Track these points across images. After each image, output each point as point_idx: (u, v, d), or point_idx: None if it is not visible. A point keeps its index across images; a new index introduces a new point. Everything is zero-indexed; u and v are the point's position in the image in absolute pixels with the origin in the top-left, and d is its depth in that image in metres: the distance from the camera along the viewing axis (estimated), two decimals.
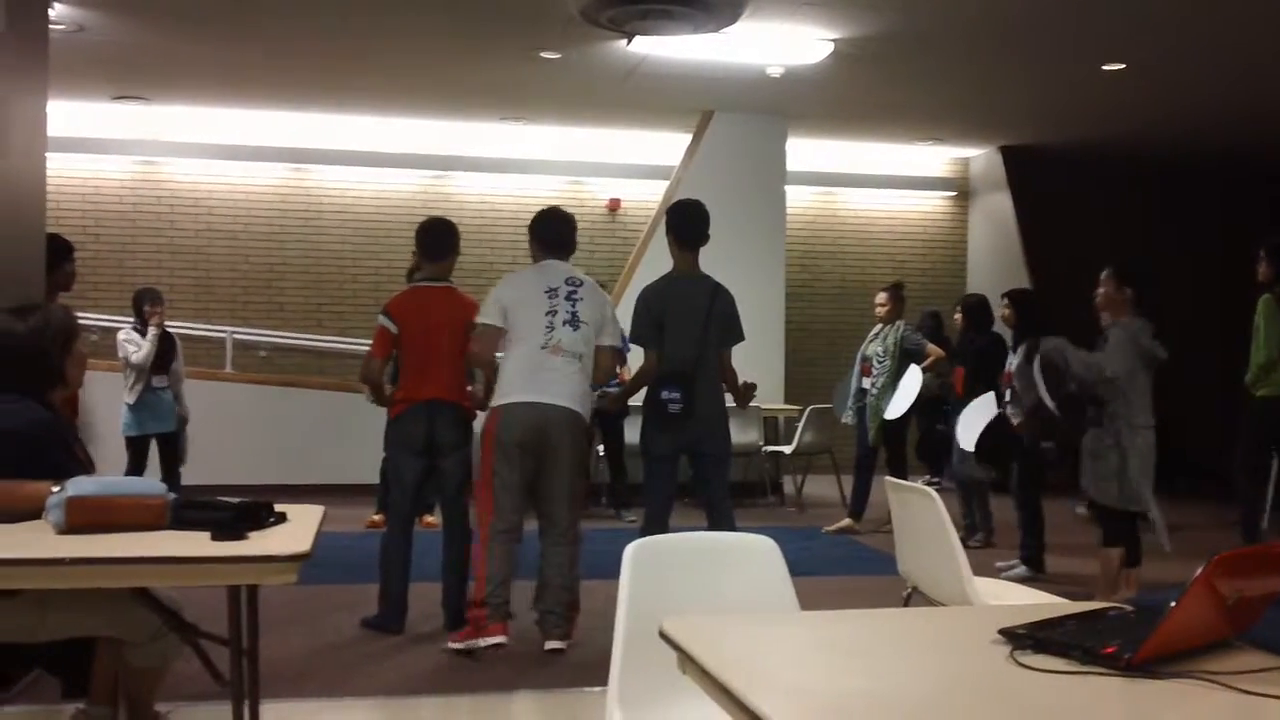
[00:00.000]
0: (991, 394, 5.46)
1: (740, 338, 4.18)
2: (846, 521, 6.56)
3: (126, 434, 5.87)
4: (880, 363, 6.37)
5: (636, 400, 4.22)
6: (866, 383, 6.44)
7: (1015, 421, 5.31)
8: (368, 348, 4.33)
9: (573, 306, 3.86)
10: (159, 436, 5.93)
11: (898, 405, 6.27)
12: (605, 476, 7.16)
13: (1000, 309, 5.76)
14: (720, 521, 4.04)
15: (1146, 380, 4.41)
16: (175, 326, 8.05)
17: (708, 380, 4.06)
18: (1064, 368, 4.29)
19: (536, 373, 3.79)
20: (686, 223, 4.15)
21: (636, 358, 4.28)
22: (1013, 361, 5.46)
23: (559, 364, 3.81)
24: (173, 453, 6.01)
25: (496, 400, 3.85)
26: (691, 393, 3.98)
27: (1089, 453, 4.47)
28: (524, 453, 3.79)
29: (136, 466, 5.88)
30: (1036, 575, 5.17)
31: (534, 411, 3.77)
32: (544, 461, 3.82)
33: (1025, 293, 5.83)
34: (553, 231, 4.04)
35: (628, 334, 4.32)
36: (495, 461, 3.81)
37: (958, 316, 6.20)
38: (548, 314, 3.84)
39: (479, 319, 3.92)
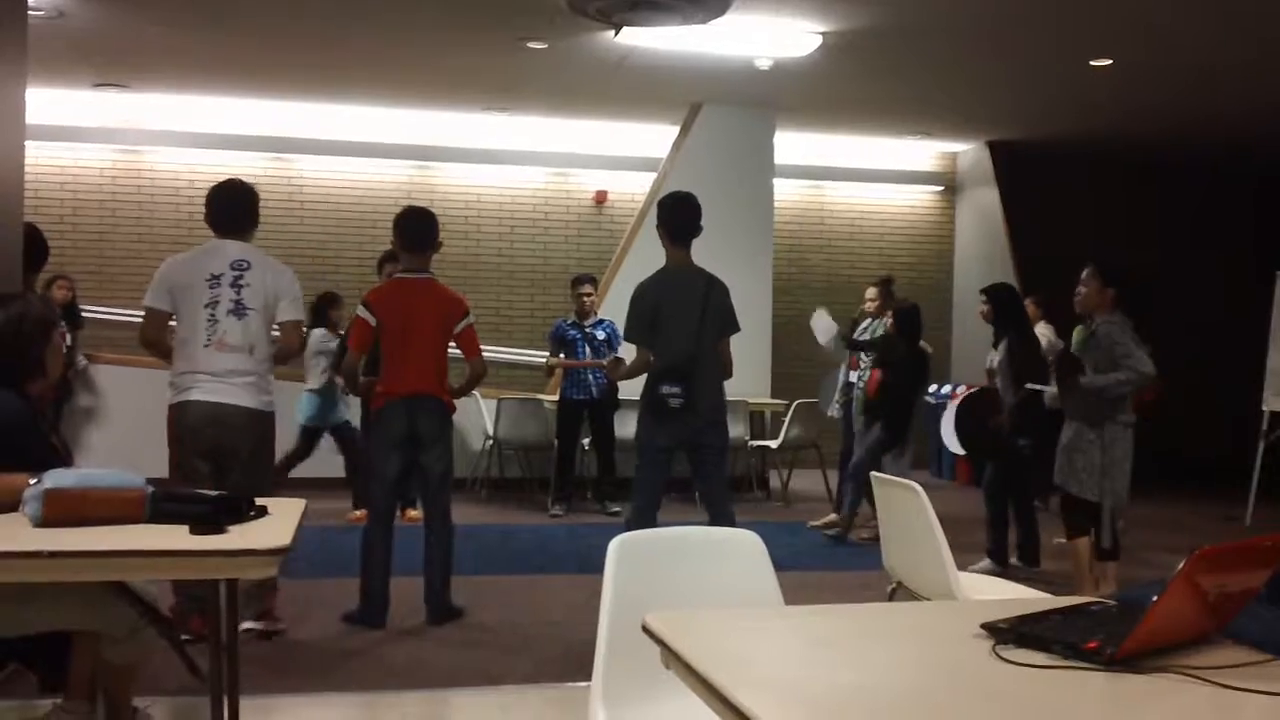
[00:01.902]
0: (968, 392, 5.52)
1: (736, 329, 4.16)
2: (833, 516, 6.57)
3: (306, 424, 6.22)
4: (868, 356, 6.38)
5: (629, 393, 4.20)
6: (854, 376, 6.45)
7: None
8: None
9: (237, 293, 3.64)
10: (334, 429, 6.38)
11: None
12: (592, 470, 7.14)
13: (978, 305, 5.78)
14: (720, 516, 4.01)
15: None
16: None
17: (706, 373, 4.04)
18: (1122, 394, 4.37)
19: (206, 372, 3.61)
20: (677, 216, 4.11)
21: (634, 351, 4.24)
22: (993, 358, 5.47)
23: (228, 361, 3.62)
24: (352, 442, 6.32)
25: (173, 396, 3.67)
26: (691, 387, 3.96)
27: (1067, 448, 4.51)
28: (201, 454, 3.63)
29: (304, 454, 6.23)
30: (1001, 570, 5.19)
31: (210, 411, 3.60)
32: (222, 464, 3.64)
33: (1003, 288, 5.73)
34: (224, 210, 3.79)
35: (623, 330, 4.27)
36: (181, 458, 3.65)
37: (889, 321, 6.20)
38: (208, 306, 3.62)
39: (145, 301, 3.70)
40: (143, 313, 3.78)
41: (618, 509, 6.69)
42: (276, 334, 3.83)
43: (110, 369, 7.26)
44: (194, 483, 3.57)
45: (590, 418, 6.93)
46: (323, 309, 6.36)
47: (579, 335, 6.87)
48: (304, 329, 3.91)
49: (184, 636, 3.50)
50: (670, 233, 4.11)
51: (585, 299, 6.89)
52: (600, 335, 6.87)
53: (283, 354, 3.85)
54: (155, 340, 3.76)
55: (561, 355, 6.92)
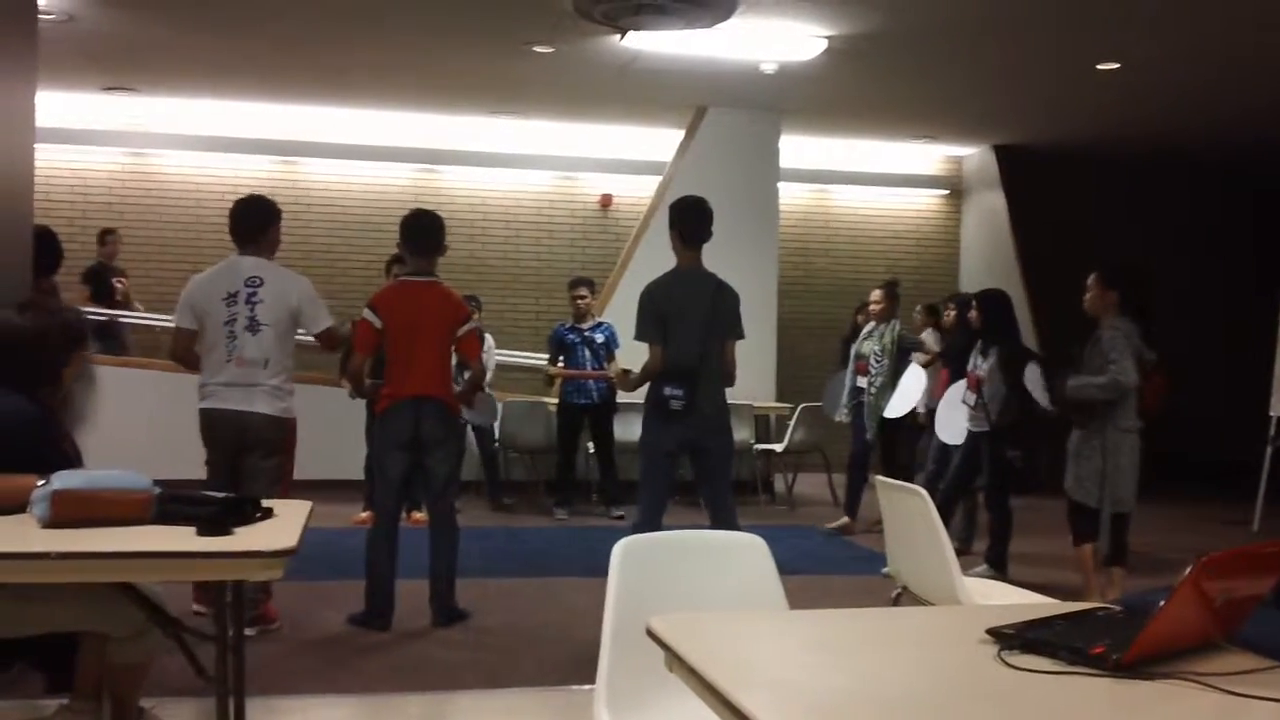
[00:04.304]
0: (961, 384, 5.48)
1: (739, 335, 4.16)
2: (844, 520, 6.55)
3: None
4: (878, 361, 6.34)
5: (630, 397, 4.20)
6: (862, 381, 6.42)
7: (976, 428, 5.33)
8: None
9: (251, 310, 3.85)
10: (475, 428, 6.72)
11: (898, 404, 6.25)
12: (595, 474, 7.14)
13: (947, 310, 5.80)
14: (723, 520, 4.01)
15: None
16: (160, 319, 7.98)
17: (711, 378, 4.04)
18: (1093, 398, 4.34)
19: (226, 385, 3.84)
20: (690, 220, 4.12)
21: (635, 353, 4.24)
22: (981, 365, 5.43)
23: (245, 374, 3.84)
24: (488, 442, 6.82)
25: (199, 402, 3.91)
26: (695, 390, 3.97)
27: (1074, 455, 4.50)
28: (224, 458, 3.87)
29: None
30: (998, 576, 5.17)
31: (226, 417, 3.83)
32: (241, 469, 3.85)
33: (993, 295, 5.67)
34: (236, 226, 3.96)
35: (633, 331, 4.29)
36: (209, 455, 3.90)
37: (949, 312, 6.21)
38: (226, 324, 3.84)
39: (174, 321, 3.99)
40: (172, 329, 4.06)
41: (621, 514, 6.68)
42: (302, 337, 4.05)
43: (112, 370, 7.26)
44: (220, 480, 3.80)
45: (590, 422, 6.93)
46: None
47: (578, 339, 6.87)
48: (334, 330, 4.12)
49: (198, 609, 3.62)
50: (682, 237, 4.12)
51: (580, 301, 6.88)
52: (599, 338, 6.86)
53: (329, 350, 4.19)
54: (183, 357, 4.02)
55: (561, 359, 6.92)
